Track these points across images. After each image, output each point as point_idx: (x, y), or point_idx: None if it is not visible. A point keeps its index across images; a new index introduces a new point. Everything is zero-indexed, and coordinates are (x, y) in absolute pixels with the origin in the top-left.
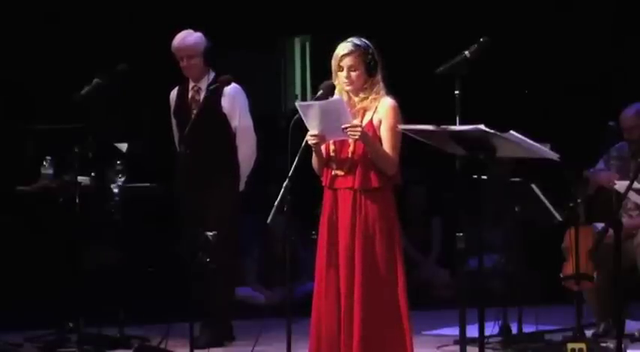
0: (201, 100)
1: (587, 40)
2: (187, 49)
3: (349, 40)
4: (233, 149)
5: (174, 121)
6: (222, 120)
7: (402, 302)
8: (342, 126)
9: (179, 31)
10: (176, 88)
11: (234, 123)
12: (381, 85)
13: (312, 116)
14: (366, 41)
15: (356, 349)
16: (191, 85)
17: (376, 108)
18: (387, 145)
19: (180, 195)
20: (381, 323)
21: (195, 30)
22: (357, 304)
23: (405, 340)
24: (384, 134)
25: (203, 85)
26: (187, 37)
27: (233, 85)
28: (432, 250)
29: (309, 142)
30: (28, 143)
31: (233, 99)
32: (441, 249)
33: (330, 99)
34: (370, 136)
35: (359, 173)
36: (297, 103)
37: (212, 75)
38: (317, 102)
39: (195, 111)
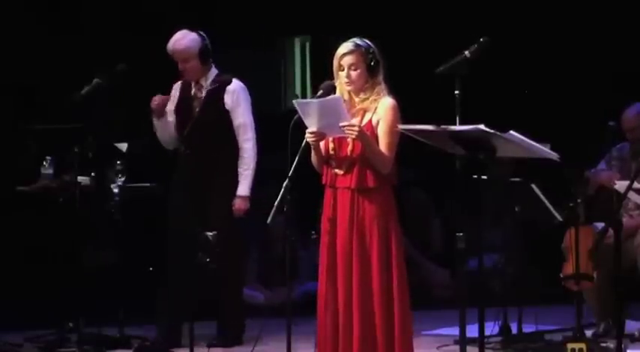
0: (203, 98)
1: (587, 40)
2: (181, 52)
3: (351, 39)
4: (235, 147)
5: (171, 118)
6: (224, 117)
7: (397, 302)
8: (340, 125)
9: (179, 31)
10: (180, 82)
11: (238, 119)
12: (383, 85)
13: (310, 114)
14: (368, 41)
15: (355, 348)
16: (193, 82)
17: (376, 108)
18: (383, 144)
19: (177, 194)
20: (377, 322)
21: (196, 29)
22: (355, 304)
23: (396, 340)
24: (381, 133)
25: (204, 82)
26: (181, 40)
27: (235, 80)
28: (432, 250)
29: (308, 140)
30: (28, 143)
31: (237, 95)
32: (441, 249)
33: (328, 97)
34: (368, 136)
35: (356, 172)
36: (296, 101)
37: (214, 71)
38: (315, 100)
39: (197, 109)
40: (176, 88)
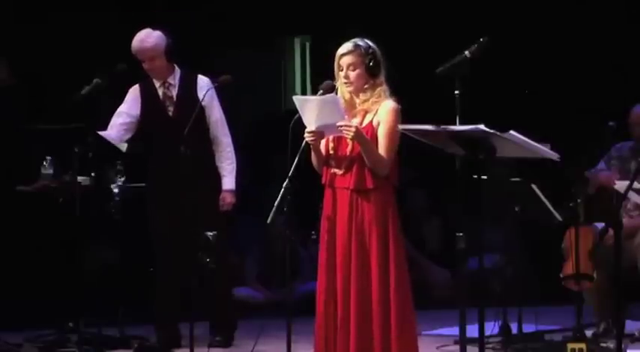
0: (175, 97)
1: (587, 40)
2: (147, 51)
3: (352, 40)
4: (210, 143)
5: (136, 120)
6: (203, 114)
7: (394, 303)
8: (338, 124)
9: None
10: (137, 85)
11: (215, 114)
12: (385, 87)
13: (308, 112)
14: (369, 42)
15: (352, 347)
16: (157, 83)
17: (377, 110)
18: (382, 147)
19: (172, 194)
20: (375, 323)
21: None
22: (353, 305)
23: (393, 341)
24: (381, 135)
25: (172, 80)
26: (148, 39)
27: (201, 76)
28: (428, 249)
29: (307, 140)
30: (28, 143)
31: (210, 90)
32: (438, 249)
33: (327, 95)
34: (365, 137)
35: (355, 173)
36: (295, 97)
37: (178, 70)
38: (313, 97)
39: (171, 109)
40: (134, 93)
